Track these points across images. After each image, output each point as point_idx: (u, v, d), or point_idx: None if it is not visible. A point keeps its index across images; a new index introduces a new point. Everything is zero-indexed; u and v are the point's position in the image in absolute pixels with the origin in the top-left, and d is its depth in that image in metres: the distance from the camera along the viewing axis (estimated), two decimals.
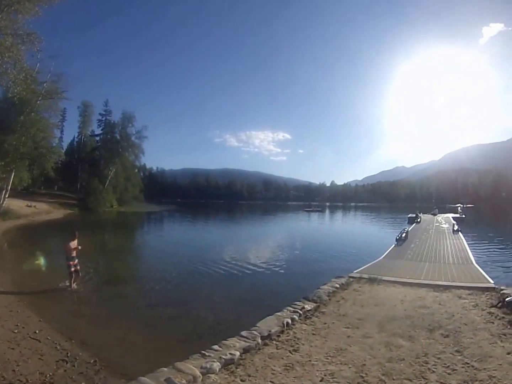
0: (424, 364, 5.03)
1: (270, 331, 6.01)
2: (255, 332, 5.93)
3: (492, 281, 9.94)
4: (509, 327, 6.44)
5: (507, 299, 7.56)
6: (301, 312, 7.15)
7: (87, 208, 56.21)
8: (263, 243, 26.01)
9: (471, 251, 16.29)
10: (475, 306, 7.85)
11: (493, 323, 6.73)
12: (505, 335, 6.09)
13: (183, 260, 16.99)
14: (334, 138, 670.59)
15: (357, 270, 11.66)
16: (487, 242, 24.40)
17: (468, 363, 5.03)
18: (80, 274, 11.12)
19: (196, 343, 6.40)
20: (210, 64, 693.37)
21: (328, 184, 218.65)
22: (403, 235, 20.54)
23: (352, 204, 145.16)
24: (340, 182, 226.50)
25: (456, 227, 26.19)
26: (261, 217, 63.72)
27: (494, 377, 4.62)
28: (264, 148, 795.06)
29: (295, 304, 7.65)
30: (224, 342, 5.57)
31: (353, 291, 9.23)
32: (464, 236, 22.41)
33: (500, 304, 7.62)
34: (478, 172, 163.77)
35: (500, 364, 4.97)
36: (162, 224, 49.00)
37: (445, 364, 5.03)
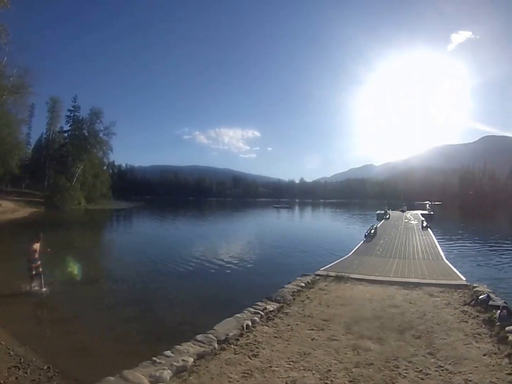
0: (395, 369, 4.80)
1: (227, 334, 5.78)
2: (211, 336, 5.68)
3: (463, 278, 10.04)
4: (483, 326, 6.38)
5: (480, 297, 7.54)
6: (262, 313, 6.94)
7: (54, 206, 56.38)
8: (231, 240, 26.76)
9: (441, 247, 16.73)
10: (447, 304, 7.80)
11: (466, 322, 6.66)
12: (480, 335, 6.01)
13: (150, 258, 17.29)
14: (303, 136, 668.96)
15: (324, 268, 11.57)
16: (455, 238, 25.51)
17: (442, 366, 4.85)
18: (43, 276, 10.86)
19: (152, 347, 6.17)
20: (179, 61, 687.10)
21: (297, 181, 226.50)
22: (372, 231, 20.86)
23: (321, 201, 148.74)
24: (309, 179, 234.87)
25: (425, 224, 26.87)
26: (230, 214, 65.53)
27: (470, 381, 4.46)
28: (233, 146, 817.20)
29: (257, 305, 7.41)
30: (177, 347, 5.30)
31: (319, 290, 9.08)
32: (433, 233, 23.03)
33: (473, 302, 7.61)
34: (445, 171, 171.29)
35: (476, 367, 4.82)
36: (130, 221, 49.40)
37: (417, 368, 4.82)
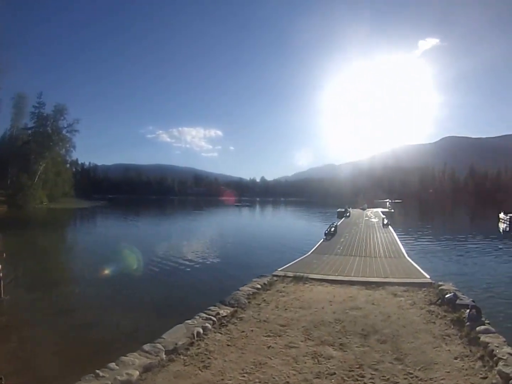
0: (360, 378, 4.53)
1: (177, 343, 5.48)
2: (159, 346, 5.37)
3: (427, 276, 10.15)
4: (452, 327, 6.33)
5: (446, 295, 7.53)
6: (215, 319, 6.71)
7: (16, 205, 57.44)
8: (189, 240, 27.04)
9: (402, 245, 17.15)
10: (413, 304, 7.74)
11: (434, 323, 6.58)
12: (449, 336, 5.93)
13: (108, 259, 17.08)
14: (264, 136, 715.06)
15: (282, 268, 11.46)
16: (415, 235, 26.53)
17: (411, 373, 4.63)
18: (2, 282, 10.43)
19: (98, 358, 5.75)
20: (141, 59, 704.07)
21: (258, 180, 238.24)
22: (332, 229, 21.20)
23: (282, 199, 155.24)
24: (270, 178, 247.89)
25: (385, 221, 27.84)
26: (191, 213, 66.75)
27: None
28: (195, 144, 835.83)
29: (209, 310, 7.14)
30: (122, 358, 4.95)
31: (277, 292, 8.90)
32: (394, 230, 23.68)
33: (439, 301, 7.60)
34: (406, 171, 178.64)
35: (448, 372, 4.66)
36: (92, 221, 49.72)
37: (384, 376, 4.57)
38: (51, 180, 69.96)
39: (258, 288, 8.99)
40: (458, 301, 7.11)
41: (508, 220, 35.43)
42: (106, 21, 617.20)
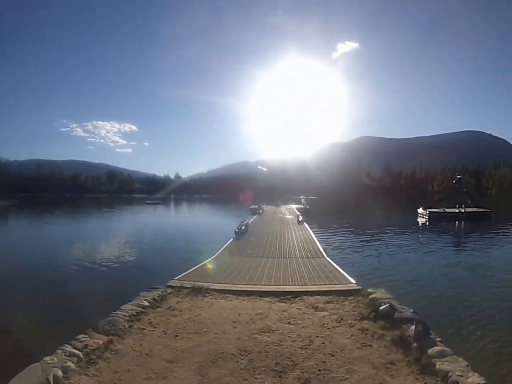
0: None
1: None
2: None
3: (353, 281, 9.09)
4: (395, 350, 5.14)
5: (381, 308, 6.23)
6: (82, 353, 5.30)
7: None
8: (92, 241, 25.72)
9: (319, 242, 16.79)
10: (339, 320, 6.43)
11: (371, 346, 5.34)
12: (394, 364, 4.75)
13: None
14: (179, 132, 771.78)
15: (180, 276, 10.00)
16: (332, 231, 26.71)
17: None
18: None
19: None
20: (57, 53, 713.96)
21: (172, 177, 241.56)
22: (243, 227, 20.64)
23: (197, 196, 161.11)
24: (185, 175, 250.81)
25: (300, 218, 27.73)
26: (101, 212, 65.13)
27: None
28: (109, 140, 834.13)
29: (77, 340, 5.64)
30: None
31: (168, 310, 7.40)
32: (310, 227, 23.39)
33: (372, 314, 6.31)
34: (323, 168, 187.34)
35: None
36: None
37: None
38: None
39: (144, 306, 7.44)
40: (396, 315, 5.90)
41: (428, 214, 38.19)
42: (15, 9, 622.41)
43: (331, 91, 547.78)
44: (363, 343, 5.42)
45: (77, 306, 10.29)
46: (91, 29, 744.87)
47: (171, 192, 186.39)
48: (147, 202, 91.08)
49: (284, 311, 7.05)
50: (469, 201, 42.40)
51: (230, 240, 17.66)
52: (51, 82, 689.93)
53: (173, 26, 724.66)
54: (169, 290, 8.65)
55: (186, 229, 35.48)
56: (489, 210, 40.63)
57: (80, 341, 5.65)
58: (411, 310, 6.16)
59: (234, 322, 6.53)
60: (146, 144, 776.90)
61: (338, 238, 23.40)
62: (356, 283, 8.79)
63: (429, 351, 4.78)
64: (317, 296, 7.94)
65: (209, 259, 12.75)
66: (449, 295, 10.91)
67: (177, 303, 7.83)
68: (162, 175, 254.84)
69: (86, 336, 5.87)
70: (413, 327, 5.26)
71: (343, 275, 9.75)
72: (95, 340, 5.75)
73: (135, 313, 6.98)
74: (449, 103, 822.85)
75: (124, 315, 6.80)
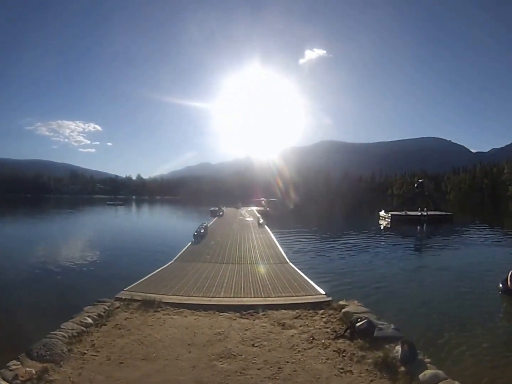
0: None
1: None
2: None
3: (322, 291, 8.37)
4: (379, 375, 4.41)
5: (357, 324, 5.47)
6: None
7: None
8: (45, 244, 24.56)
9: (281, 246, 16.39)
10: (311, 340, 5.66)
11: (351, 372, 4.61)
12: None
13: None
14: (142, 133, 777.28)
15: (131, 286, 9.10)
16: (294, 234, 26.05)
17: None
18: None
19: None
20: (21, 49, 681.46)
21: (134, 178, 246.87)
22: (202, 230, 19.97)
23: (158, 197, 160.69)
24: (146, 176, 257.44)
25: (261, 221, 27.40)
26: (60, 213, 62.78)
27: None
28: (73, 139, 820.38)
29: (6, 368, 4.78)
30: None
31: (114, 329, 6.55)
32: (270, 230, 23.01)
33: (348, 331, 5.50)
34: (284, 171, 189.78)
35: None
36: None
37: None
38: None
39: (87, 324, 6.54)
40: (376, 332, 5.19)
41: (389, 217, 39.00)
42: None
43: (293, 97, 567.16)
44: (342, 368, 4.70)
45: (14, 323, 8.93)
46: (56, 25, 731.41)
47: (133, 192, 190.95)
48: (108, 203, 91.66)
49: (246, 329, 6.25)
50: (431, 204, 43.83)
51: (189, 244, 17.09)
52: (16, 79, 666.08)
53: (137, 25, 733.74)
54: (117, 304, 7.80)
55: (144, 231, 34.26)
56: (451, 213, 42.28)
57: (10, 370, 4.86)
58: (393, 326, 5.49)
59: (189, 345, 5.69)
60: (110, 144, 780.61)
61: (299, 241, 22.89)
62: (325, 294, 8.09)
63: (420, 376, 4.20)
64: (283, 310, 7.22)
65: (165, 265, 12.03)
66: (420, 300, 10.48)
67: (125, 319, 7.00)
68: (124, 176, 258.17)
69: (18, 363, 5.05)
70: (398, 347, 4.60)
71: (310, 284, 9.08)
72: (27, 368, 4.92)
73: (76, 334, 6.12)
74: (412, 109, 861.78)
75: (64, 336, 5.93)
